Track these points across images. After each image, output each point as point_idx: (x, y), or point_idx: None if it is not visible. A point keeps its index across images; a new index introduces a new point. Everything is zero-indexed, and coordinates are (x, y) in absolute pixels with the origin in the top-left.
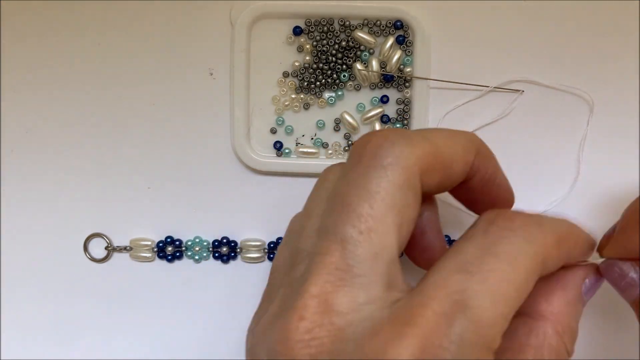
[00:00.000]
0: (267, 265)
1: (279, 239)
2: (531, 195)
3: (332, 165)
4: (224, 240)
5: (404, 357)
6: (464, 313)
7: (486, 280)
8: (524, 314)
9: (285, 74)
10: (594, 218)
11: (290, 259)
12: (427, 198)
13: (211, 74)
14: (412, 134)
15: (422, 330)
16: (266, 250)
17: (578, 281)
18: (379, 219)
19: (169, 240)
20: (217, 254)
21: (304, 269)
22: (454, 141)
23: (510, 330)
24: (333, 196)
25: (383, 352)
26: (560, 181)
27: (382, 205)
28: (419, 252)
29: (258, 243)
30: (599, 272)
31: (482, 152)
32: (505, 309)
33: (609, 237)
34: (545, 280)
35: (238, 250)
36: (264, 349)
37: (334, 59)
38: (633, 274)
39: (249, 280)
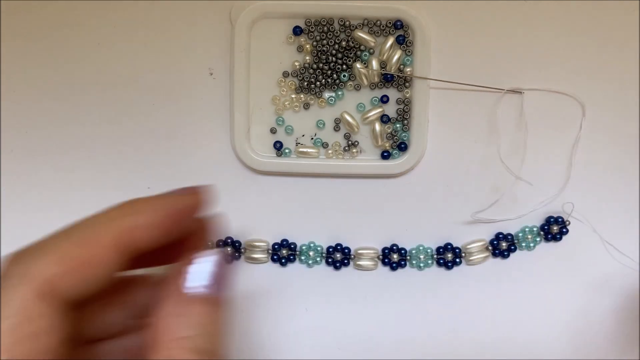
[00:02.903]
0: (269, 265)
1: (283, 239)
2: (530, 194)
3: None
4: (228, 241)
5: None
6: None
7: None
8: None
9: (285, 74)
10: (590, 218)
11: None
12: None
13: (211, 74)
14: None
15: None
16: (270, 252)
17: (175, 278)
18: None
19: None
20: None
21: None
22: (92, 235)
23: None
24: None
25: None
26: (553, 182)
27: None
28: None
29: (262, 244)
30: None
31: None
32: None
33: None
34: None
35: (242, 250)
36: None
37: (334, 59)
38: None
39: (250, 280)
